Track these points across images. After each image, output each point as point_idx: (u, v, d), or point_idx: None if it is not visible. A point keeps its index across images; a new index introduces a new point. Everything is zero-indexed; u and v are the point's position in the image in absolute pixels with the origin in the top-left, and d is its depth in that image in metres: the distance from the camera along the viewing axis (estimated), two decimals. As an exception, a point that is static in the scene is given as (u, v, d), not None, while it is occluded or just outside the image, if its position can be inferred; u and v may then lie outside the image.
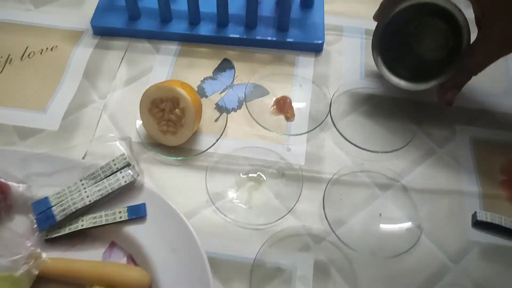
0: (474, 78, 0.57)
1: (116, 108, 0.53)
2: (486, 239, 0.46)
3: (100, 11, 0.59)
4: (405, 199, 0.48)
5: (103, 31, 0.59)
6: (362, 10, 0.64)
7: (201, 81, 0.56)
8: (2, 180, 0.42)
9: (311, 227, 0.45)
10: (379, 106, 0.55)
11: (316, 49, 0.59)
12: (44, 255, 0.40)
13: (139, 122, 0.50)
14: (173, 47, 0.58)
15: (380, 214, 0.47)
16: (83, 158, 0.48)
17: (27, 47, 0.57)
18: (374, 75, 0.57)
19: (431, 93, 0.55)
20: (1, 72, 0.55)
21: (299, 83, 0.56)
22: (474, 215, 0.47)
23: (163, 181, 0.48)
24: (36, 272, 0.39)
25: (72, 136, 0.50)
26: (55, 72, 0.55)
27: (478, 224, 0.46)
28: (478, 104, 0.55)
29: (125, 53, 0.57)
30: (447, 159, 0.51)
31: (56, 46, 0.57)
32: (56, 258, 0.41)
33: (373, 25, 0.62)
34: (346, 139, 0.51)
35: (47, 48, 0.57)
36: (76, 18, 0.60)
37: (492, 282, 0.43)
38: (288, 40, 0.58)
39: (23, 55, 0.57)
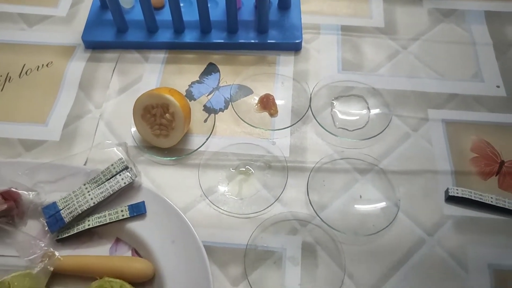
0: (444, 65, 0.61)
1: (111, 116, 0.57)
2: (459, 212, 0.50)
3: (89, 26, 0.63)
4: (383, 181, 0.52)
5: (94, 45, 0.63)
6: (338, 8, 0.68)
7: (189, 85, 0.60)
8: (13, 189, 0.47)
9: (297, 212, 0.50)
10: (356, 97, 0.59)
11: (295, 48, 0.63)
12: (57, 253, 0.44)
13: (133, 128, 0.54)
14: (161, 55, 0.62)
15: (360, 196, 0.51)
16: (85, 164, 0.52)
17: (24, 65, 0.61)
18: (350, 68, 0.61)
19: (404, 82, 0.60)
20: (2, 90, 0.59)
21: (281, 81, 0.60)
22: (447, 191, 0.51)
23: (160, 180, 0.52)
24: (51, 269, 0.43)
25: (72, 145, 0.54)
26: (52, 87, 0.59)
27: (451, 199, 0.51)
28: (449, 88, 0.59)
29: (116, 64, 0.61)
30: (421, 141, 0.55)
31: (51, 62, 0.61)
32: (68, 256, 0.45)
33: (348, 21, 0.66)
34: (326, 130, 0.55)
35: (43, 65, 0.61)
36: (68, 34, 0.64)
37: (464, 250, 0.47)
38: (269, 41, 0.62)
39: (21, 72, 0.60)
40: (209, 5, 0.60)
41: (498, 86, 0.60)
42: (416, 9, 0.68)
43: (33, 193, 0.47)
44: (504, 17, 0.66)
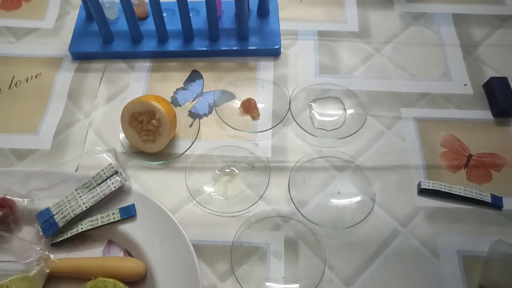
0: (415, 66, 0.65)
1: (100, 124, 0.59)
2: (430, 203, 0.54)
3: (76, 37, 0.66)
4: (360, 177, 0.55)
5: (81, 56, 0.65)
6: (314, 14, 0.71)
7: (174, 92, 0.63)
8: (8, 197, 0.49)
9: (280, 209, 0.53)
10: (333, 99, 0.62)
11: (274, 53, 0.66)
12: (52, 256, 0.46)
13: (122, 135, 0.56)
14: (146, 64, 0.65)
15: (339, 192, 0.54)
16: (76, 171, 0.55)
17: (13, 77, 0.63)
18: (327, 71, 0.65)
19: (378, 83, 0.63)
20: (-7, 102, 0.61)
21: (262, 85, 0.63)
22: (419, 184, 0.54)
23: (148, 183, 0.54)
24: (47, 271, 0.45)
25: (63, 153, 0.57)
26: (42, 97, 0.61)
27: (423, 192, 0.54)
28: (420, 88, 0.63)
29: (103, 73, 0.64)
30: (395, 139, 0.59)
31: (40, 73, 0.63)
32: (63, 258, 0.47)
33: (324, 26, 0.70)
34: (305, 131, 0.58)
35: (32, 76, 0.63)
36: (55, 46, 0.66)
37: (436, 238, 0.51)
38: (249, 48, 0.65)
39: (10, 84, 0.63)
40: (191, 15, 0.63)
41: (465, 85, 0.63)
42: (388, 13, 0.71)
43: (27, 199, 0.49)
44: (470, 19, 0.70)
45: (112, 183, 0.50)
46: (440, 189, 0.53)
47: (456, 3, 0.72)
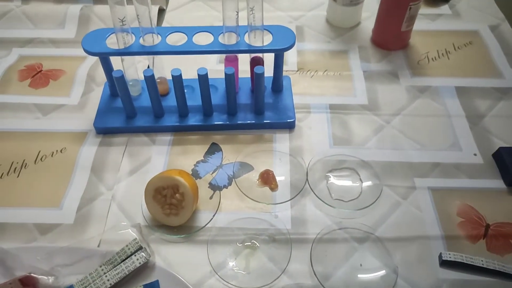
0: (425, 136, 0.68)
1: (123, 197, 0.61)
2: (453, 276, 0.53)
3: (101, 113, 0.69)
4: (380, 248, 0.56)
5: (104, 131, 0.68)
6: (325, 88, 0.75)
7: (194, 164, 0.65)
8: (33, 275, 0.49)
9: (303, 284, 0.52)
10: (348, 170, 0.64)
11: (289, 126, 0.69)
12: (75, 337, 0.46)
13: (144, 208, 0.57)
14: (167, 137, 0.68)
15: (361, 265, 0.54)
16: (98, 246, 0.55)
17: (39, 151, 0.65)
18: (341, 143, 0.67)
19: (390, 153, 0.66)
20: (18, 176, 0.63)
21: (279, 157, 0.66)
22: (440, 256, 0.55)
23: (171, 257, 0.55)
24: None
25: (86, 227, 0.57)
26: (66, 171, 0.63)
27: (445, 263, 0.54)
28: (431, 158, 0.65)
29: (125, 147, 0.66)
30: (411, 209, 0.60)
31: (65, 148, 0.66)
32: None
33: (335, 100, 0.73)
34: (324, 202, 0.59)
35: (57, 151, 0.66)
36: (80, 121, 0.69)
37: (462, 313, 0.50)
38: (265, 121, 0.68)
39: (36, 159, 0.65)
40: (210, 91, 0.66)
41: (475, 154, 0.66)
42: (395, 86, 0.76)
43: (52, 277, 0.49)
44: (472, 92, 0.74)
45: (137, 259, 0.50)
46: (462, 261, 0.53)
47: (458, 77, 0.77)
